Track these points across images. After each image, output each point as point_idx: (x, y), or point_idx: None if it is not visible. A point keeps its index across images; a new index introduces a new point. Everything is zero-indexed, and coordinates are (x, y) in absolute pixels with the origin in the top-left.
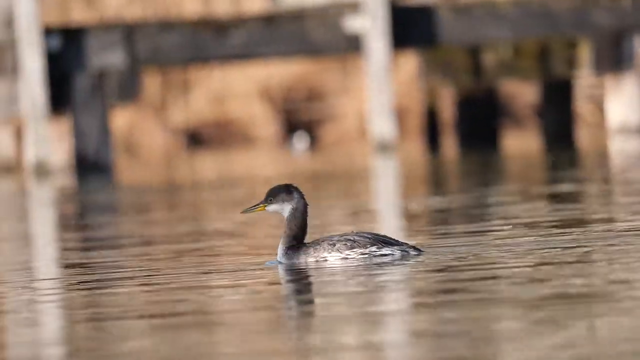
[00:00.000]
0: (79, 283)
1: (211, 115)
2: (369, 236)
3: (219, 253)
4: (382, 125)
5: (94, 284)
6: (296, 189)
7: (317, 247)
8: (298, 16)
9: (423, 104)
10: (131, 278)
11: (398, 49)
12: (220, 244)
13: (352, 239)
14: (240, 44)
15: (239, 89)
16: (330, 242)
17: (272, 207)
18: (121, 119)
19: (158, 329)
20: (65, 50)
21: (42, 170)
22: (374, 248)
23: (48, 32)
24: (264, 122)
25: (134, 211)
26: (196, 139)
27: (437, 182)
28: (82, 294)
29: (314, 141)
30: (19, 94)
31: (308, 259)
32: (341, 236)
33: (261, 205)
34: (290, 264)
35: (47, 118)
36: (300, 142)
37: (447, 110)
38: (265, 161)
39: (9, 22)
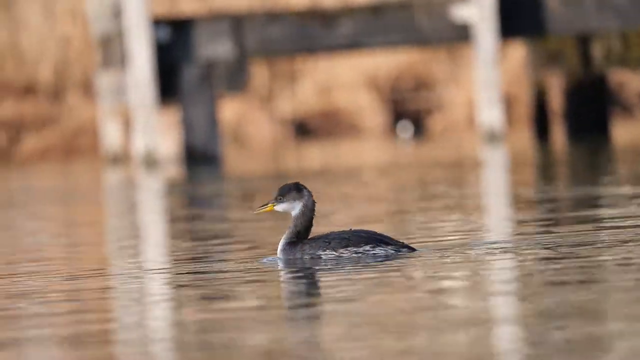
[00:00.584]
0: (187, 273)
1: (318, 105)
2: (364, 235)
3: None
4: (491, 115)
5: (203, 275)
6: (305, 187)
7: (313, 244)
8: (406, 6)
9: (531, 93)
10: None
11: (506, 39)
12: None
13: (346, 237)
14: (347, 34)
15: (346, 78)
16: (326, 240)
17: (283, 206)
18: (229, 109)
19: (266, 321)
20: (174, 41)
21: (150, 161)
22: (367, 247)
23: (157, 23)
24: (370, 112)
25: (241, 201)
26: (303, 129)
27: (545, 171)
28: (191, 284)
29: (421, 131)
30: (127, 85)
31: (304, 255)
32: (337, 234)
33: (271, 204)
34: (286, 260)
35: (156, 109)
36: (404, 131)
37: (556, 99)
38: (371, 151)
39: (117, 13)
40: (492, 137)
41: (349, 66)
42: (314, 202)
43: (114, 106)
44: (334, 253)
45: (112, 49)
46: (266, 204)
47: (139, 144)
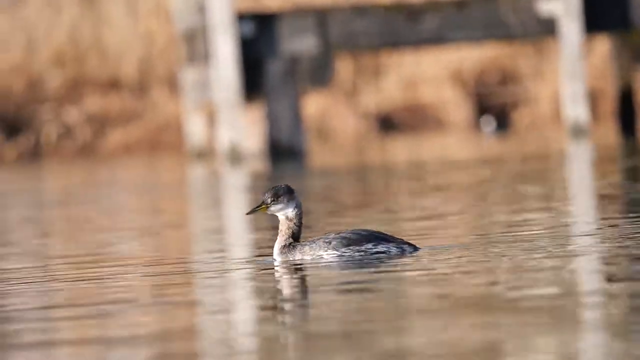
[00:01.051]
0: (276, 267)
1: (403, 99)
2: (364, 233)
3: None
4: (576, 109)
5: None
6: (294, 190)
7: (313, 245)
8: (490, 0)
9: (616, 88)
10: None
11: (591, 33)
12: (420, 230)
13: (347, 236)
14: (432, 29)
15: (431, 73)
16: (326, 240)
17: (276, 208)
18: (313, 103)
19: (346, 300)
20: (258, 36)
21: (235, 156)
22: (369, 245)
23: (241, 18)
24: (455, 106)
25: (325, 196)
26: (387, 123)
27: (631, 166)
28: (269, 277)
29: (506, 125)
30: (211, 81)
31: (304, 257)
32: (337, 234)
33: (264, 205)
34: (285, 262)
35: (240, 104)
36: (488, 126)
37: None
38: (456, 145)
39: (202, 9)
40: (578, 131)
41: (433, 60)
42: (301, 205)
43: (198, 101)
44: (336, 252)
45: (196, 45)
46: (260, 206)
47: (224, 139)
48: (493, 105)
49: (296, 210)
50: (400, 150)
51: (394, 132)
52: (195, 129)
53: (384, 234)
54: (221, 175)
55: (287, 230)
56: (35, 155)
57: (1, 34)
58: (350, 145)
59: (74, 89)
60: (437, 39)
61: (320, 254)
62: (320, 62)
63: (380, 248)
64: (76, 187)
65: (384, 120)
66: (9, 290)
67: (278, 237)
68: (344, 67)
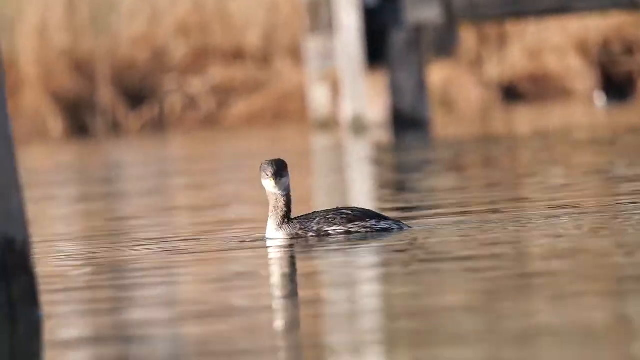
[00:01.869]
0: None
1: (527, 69)
2: (363, 210)
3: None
4: None
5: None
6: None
7: (314, 221)
8: None
9: None
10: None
11: None
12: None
13: (349, 212)
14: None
15: (555, 42)
16: (328, 217)
17: (283, 181)
18: (437, 74)
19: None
20: (382, 6)
21: (358, 126)
22: (373, 221)
23: None
24: (579, 75)
25: (449, 167)
26: (511, 93)
27: None
28: (401, 245)
29: (628, 95)
30: (335, 50)
31: (308, 234)
32: (335, 211)
33: (273, 179)
34: (289, 237)
35: (364, 73)
36: (600, 100)
37: None
38: (579, 115)
39: None
40: None
41: (558, 29)
42: None
43: (322, 71)
44: (343, 228)
45: (320, 14)
46: (276, 178)
47: (347, 109)
48: (617, 75)
49: (289, 186)
50: (525, 120)
51: (518, 102)
52: (318, 99)
53: (373, 211)
54: (344, 145)
55: (283, 207)
56: (158, 126)
57: (126, 4)
58: (474, 115)
59: (198, 60)
60: (561, 9)
61: (325, 230)
62: (444, 31)
63: (383, 225)
64: (208, 157)
65: (507, 89)
66: None
67: (273, 214)
68: (467, 37)
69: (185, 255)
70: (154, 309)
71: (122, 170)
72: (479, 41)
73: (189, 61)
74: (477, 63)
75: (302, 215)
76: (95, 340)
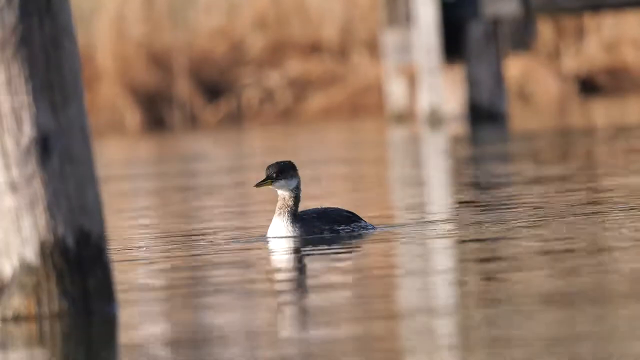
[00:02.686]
0: (472, 224)
1: (604, 61)
2: (339, 210)
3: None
4: None
5: (487, 226)
6: (296, 166)
7: (322, 220)
8: None
9: None
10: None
11: None
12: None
13: (346, 213)
14: None
15: (633, 35)
16: (332, 215)
17: (280, 183)
18: (514, 67)
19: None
20: None
21: (435, 119)
22: (363, 222)
23: None
24: None
25: (526, 159)
26: (589, 86)
27: None
28: (475, 235)
29: None
30: (412, 44)
31: (323, 232)
32: (321, 210)
33: (269, 180)
34: (303, 234)
35: (441, 67)
36: None
37: None
38: None
39: None
40: None
41: (636, 22)
42: None
43: (399, 65)
44: (349, 227)
45: (397, 7)
46: (265, 180)
47: (424, 102)
48: None
49: (298, 185)
50: (603, 113)
51: (596, 95)
52: (395, 92)
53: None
54: (421, 139)
55: (294, 206)
56: (236, 119)
57: None
58: (551, 108)
59: (276, 53)
60: (638, 2)
61: (336, 229)
62: (522, 25)
63: (362, 224)
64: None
65: (585, 82)
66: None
67: (279, 213)
68: (545, 30)
69: (255, 251)
70: (230, 304)
71: (199, 163)
72: (556, 34)
73: (266, 54)
74: (554, 56)
75: (307, 212)
76: (171, 334)
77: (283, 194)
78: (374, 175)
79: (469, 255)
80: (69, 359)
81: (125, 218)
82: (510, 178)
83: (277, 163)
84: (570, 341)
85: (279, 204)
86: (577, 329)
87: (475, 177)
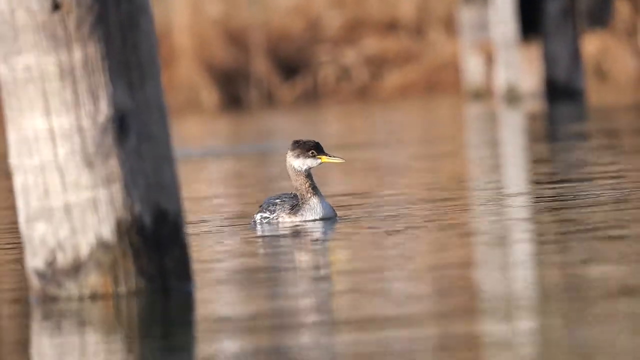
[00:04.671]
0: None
1: None
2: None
3: None
4: None
5: (564, 204)
6: None
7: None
8: None
9: None
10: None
11: None
12: None
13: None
14: None
15: None
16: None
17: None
18: (591, 44)
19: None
20: None
21: (512, 96)
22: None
23: None
24: None
25: (604, 137)
26: None
27: None
28: (552, 213)
29: None
30: (489, 21)
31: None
32: (288, 197)
33: (324, 155)
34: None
35: (518, 44)
36: None
37: None
38: None
39: None
40: None
41: None
42: None
43: (476, 42)
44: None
45: None
46: (329, 155)
47: (501, 79)
48: None
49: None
50: None
51: None
52: (472, 70)
53: None
54: (498, 116)
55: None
56: (312, 97)
57: None
58: (629, 85)
59: (352, 31)
60: None
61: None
62: (599, 2)
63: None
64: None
65: None
66: None
67: (315, 193)
68: (622, 7)
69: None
70: (307, 285)
71: (276, 141)
72: (633, 11)
73: (343, 32)
74: (632, 33)
75: (283, 196)
76: (247, 314)
77: (306, 171)
78: (451, 153)
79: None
80: (146, 337)
81: (202, 197)
82: (585, 157)
83: (317, 142)
84: None
85: (310, 183)
86: None
87: (550, 154)
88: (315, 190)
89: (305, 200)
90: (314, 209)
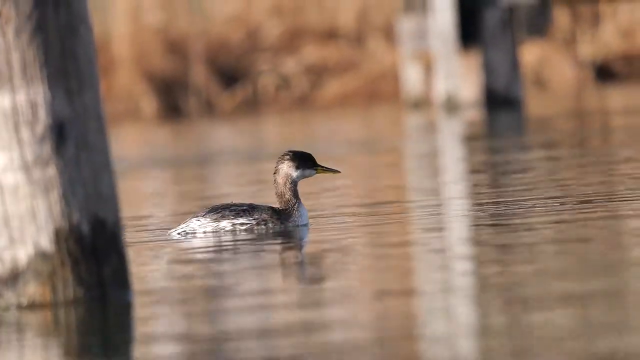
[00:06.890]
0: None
1: (620, 48)
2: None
3: None
4: None
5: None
6: None
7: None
8: None
9: None
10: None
11: None
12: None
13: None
14: None
15: None
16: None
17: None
18: (530, 53)
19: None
20: None
21: (451, 105)
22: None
23: None
24: None
25: (541, 146)
26: (605, 72)
27: None
28: (489, 220)
29: None
30: (428, 30)
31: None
32: (234, 207)
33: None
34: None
35: (457, 53)
36: None
37: None
38: None
39: None
40: None
41: None
42: None
43: (415, 51)
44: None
45: None
46: (327, 169)
47: (440, 89)
48: None
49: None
50: (618, 99)
51: (612, 81)
52: (411, 79)
53: None
54: (437, 125)
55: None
56: (252, 105)
57: None
58: (567, 94)
59: (292, 39)
60: None
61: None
62: (537, 11)
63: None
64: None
65: (601, 69)
66: None
67: (299, 203)
68: (561, 16)
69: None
70: (243, 296)
71: (215, 151)
72: (572, 20)
73: (282, 41)
74: (570, 42)
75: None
76: (185, 321)
77: (298, 181)
78: (391, 163)
79: None
80: (84, 347)
81: (140, 206)
82: (524, 165)
83: (309, 153)
84: None
85: (296, 192)
86: None
87: (489, 165)
88: (298, 198)
89: (295, 208)
90: (303, 215)
